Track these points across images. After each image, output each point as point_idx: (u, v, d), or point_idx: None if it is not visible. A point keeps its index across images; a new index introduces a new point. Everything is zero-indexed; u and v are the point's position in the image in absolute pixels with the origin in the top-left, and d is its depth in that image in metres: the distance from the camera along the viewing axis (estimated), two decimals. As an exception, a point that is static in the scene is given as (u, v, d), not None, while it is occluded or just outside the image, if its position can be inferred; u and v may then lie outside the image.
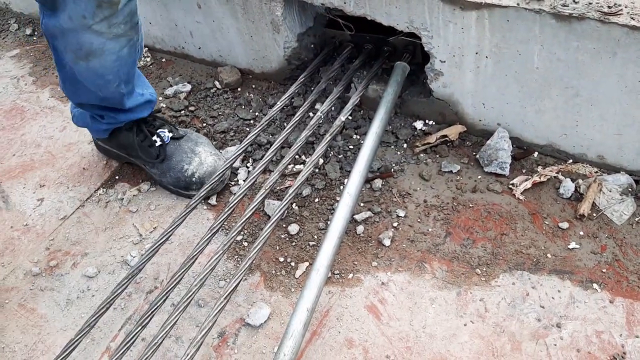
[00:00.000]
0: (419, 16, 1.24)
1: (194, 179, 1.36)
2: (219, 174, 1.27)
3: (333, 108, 1.48)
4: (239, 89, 1.65)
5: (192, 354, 0.96)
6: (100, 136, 1.43)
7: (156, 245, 1.15)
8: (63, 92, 1.35)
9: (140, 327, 1.03)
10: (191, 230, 1.31)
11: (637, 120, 1.14)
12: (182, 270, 1.12)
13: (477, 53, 1.23)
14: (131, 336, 1.02)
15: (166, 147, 1.37)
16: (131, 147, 1.38)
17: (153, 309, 1.07)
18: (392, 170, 1.35)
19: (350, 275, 1.17)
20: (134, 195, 1.40)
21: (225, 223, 1.30)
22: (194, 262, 1.13)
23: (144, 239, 1.30)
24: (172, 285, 1.10)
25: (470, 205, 1.26)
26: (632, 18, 1.03)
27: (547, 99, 1.22)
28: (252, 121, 1.54)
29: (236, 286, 1.07)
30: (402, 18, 1.27)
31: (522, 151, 1.35)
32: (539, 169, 1.31)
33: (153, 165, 1.38)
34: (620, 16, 1.03)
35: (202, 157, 1.38)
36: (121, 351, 1.00)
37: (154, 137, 1.37)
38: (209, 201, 1.36)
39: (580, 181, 1.25)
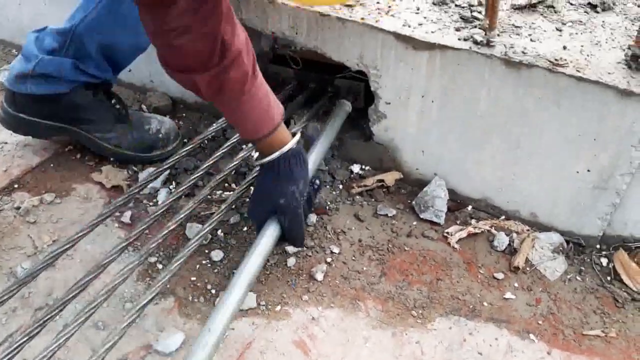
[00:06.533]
0: (371, 52, 1.23)
1: (160, 135, 1.35)
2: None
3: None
4: (168, 116, 1.55)
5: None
6: (58, 90, 1.23)
7: (55, 252, 0.99)
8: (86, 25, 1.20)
9: (15, 349, 0.84)
10: (98, 247, 1.14)
11: (573, 175, 1.16)
12: (81, 284, 0.95)
13: (423, 96, 1.23)
14: (10, 350, 0.84)
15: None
16: (86, 109, 1.27)
17: (37, 325, 0.89)
18: (327, 208, 1.28)
19: (278, 308, 1.06)
20: (33, 206, 1.22)
21: (139, 244, 1.16)
22: (95, 278, 0.98)
23: (40, 251, 1.12)
24: (65, 299, 0.93)
25: (406, 249, 1.21)
26: (577, 71, 1.07)
27: (488, 147, 1.22)
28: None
29: (144, 306, 0.92)
30: (353, 53, 1.26)
31: (456, 204, 1.33)
32: (473, 222, 1.29)
33: (110, 129, 1.29)
34: (567, 68, 1.08)
35: (159, 118, 1.40)
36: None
37: (113, 100, 1.31)
38: (122, 219, 1.21)
39: (514, 235, 1.24)
